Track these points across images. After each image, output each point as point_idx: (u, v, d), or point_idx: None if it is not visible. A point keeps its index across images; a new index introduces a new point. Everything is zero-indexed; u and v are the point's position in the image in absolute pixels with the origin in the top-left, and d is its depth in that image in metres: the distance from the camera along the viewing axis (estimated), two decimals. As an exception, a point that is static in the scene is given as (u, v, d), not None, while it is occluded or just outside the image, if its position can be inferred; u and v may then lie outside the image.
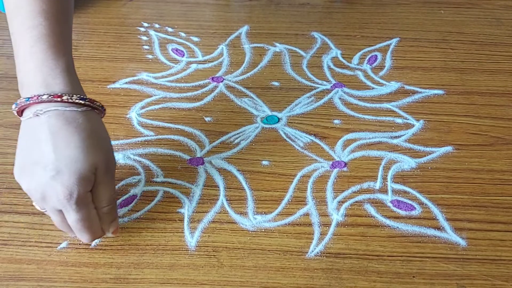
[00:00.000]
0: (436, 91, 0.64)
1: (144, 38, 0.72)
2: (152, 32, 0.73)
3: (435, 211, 0.51)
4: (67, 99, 0.42)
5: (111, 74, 0.66)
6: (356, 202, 0.52)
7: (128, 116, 0.60)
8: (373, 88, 0.64)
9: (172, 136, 0.58)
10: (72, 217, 0.43)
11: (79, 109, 0.43)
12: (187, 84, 0.65)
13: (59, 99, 0.42)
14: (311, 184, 0.53)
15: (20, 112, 0.44)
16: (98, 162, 0.42)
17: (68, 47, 0.46)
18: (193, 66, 0.67)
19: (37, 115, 0.42)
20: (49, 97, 0.42)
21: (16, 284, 0.45)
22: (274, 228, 0.49)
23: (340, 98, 0.63)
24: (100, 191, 0.44)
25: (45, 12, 0.44)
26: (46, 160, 0.41)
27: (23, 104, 0.43)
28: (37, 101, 0.42)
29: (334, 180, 0.54)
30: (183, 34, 0.72)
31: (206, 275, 0.46)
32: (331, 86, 0.64)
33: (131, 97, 0.63)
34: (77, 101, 0.43)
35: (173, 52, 0.70)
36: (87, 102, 0.43)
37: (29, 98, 0.42)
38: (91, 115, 0.44)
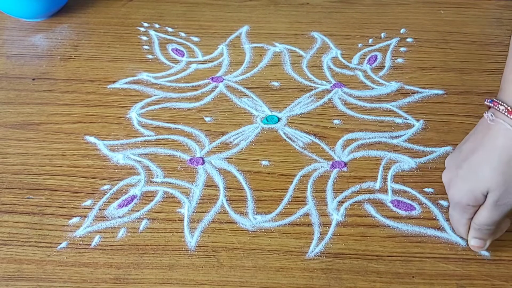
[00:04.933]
0: (436, 91, 0.64)
1: (144, 38, 0.72)
2: (152, 32, 0.73)
3: (435, 211, 0.51)
4: None
5: (111, 74, 0.66)
6: (356, 202, 0.52)
7: (128, 116, 0.60)
8: (373, 88, 0.64)
9: (172, 136, 0.58)
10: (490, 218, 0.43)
11: None
12: (187, 84, 0.65)
13: None
14: (311, 184, 0.53)
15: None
16: None
17: None
18: (193, 66, 0.67)
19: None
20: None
21: (16, 284, 0.45)
22: (274, 228, 0.49)
23: (340, 98, 0.63)
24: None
25: None
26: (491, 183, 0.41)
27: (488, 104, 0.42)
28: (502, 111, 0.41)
29: (334, 180, 0.54)
30: (183, 34, 0.72)
31: (205, 275, 0.46)
32: (331, 86, 0.64)
33: (131, 97, 0.63)
34: None
35: (173, 52, 0.70)
36: None
37: (491, 100, 0.42)
38: None
